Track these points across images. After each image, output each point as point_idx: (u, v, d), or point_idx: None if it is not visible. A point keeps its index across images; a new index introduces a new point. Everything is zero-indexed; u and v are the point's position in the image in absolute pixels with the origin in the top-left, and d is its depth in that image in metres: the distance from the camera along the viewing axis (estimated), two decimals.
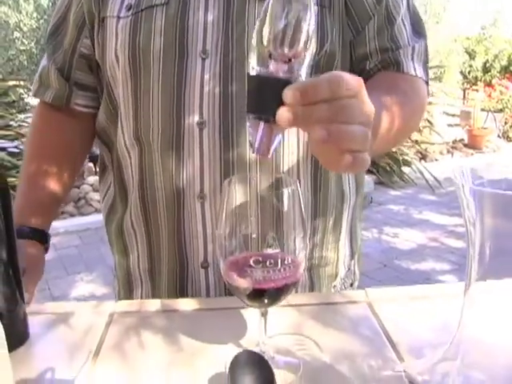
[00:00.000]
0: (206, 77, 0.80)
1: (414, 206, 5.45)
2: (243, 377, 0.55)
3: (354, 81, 0.51)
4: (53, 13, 1.01)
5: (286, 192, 0.56)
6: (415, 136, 7.18)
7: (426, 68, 0.94)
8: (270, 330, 0.62)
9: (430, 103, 8.37)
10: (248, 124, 0.53)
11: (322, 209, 0.89)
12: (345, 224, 0.94)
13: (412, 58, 0.90)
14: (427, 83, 0.94)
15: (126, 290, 0.96)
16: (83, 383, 0.61)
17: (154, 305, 0.79)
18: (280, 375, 0.58)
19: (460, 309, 0.54)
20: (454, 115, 10.39)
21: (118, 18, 0.85)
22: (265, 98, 0.51)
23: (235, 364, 0.55)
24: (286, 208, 0.56)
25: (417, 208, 5.39)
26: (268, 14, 0.50)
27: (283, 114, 0.48)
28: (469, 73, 9.83)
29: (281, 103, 0.49)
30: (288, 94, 0.48)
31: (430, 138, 7.55)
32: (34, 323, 0.73)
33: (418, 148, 7.30)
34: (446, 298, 0.77)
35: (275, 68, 0.50)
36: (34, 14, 5.21)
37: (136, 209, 0.88)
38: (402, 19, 0.89)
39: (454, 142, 8.42)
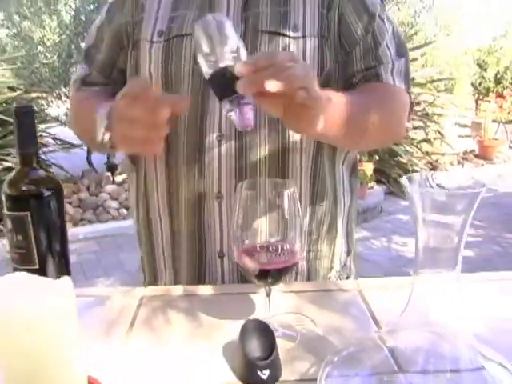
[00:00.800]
0: None
1: None
2: (251, 340, 0.69)
3: (286, 54, 0.72)
4: (90, 29, 1.16)
5: (286, 193, 0.71)
6: (426, 147, 7.28)
7: (406, 79, 1.06)
8: (274, 310, 0.76)
9: (440, 115, 8.48)
10: (225, 111, 0.72)
11: (318, 211, 1.03)
12: (340, 224, 1.08)
13: (392, 73, 1.02)
14: (408, 92, 1.06)
15: (152, 279, 1.11)
16: (119, 353, 0.76)
17: (177, 290, 0.94)
18: (281, 343, 0.72)
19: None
20: (465, 126, 10.49)
21: (151, 42, 1.00)
22: (225, 83, 0.69)
23: (244, 330, 0.69)
24: (286, 207, 0.71)
25: None
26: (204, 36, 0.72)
27: (240, 84, 0.67)
28: (479, 84, 9.92)
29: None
30: (239, 67, 0.67)
31: (441, 148, 7.63)
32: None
33: (429, 159, 7.39)
34: None
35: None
36: (57, 30, 5.43)
37: (163, 206, 1.03)
38: (387, 44, 1.03)
39: (465, 152, 8.49)
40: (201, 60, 0.72)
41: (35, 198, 0.76)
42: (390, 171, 6.45)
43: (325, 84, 0.92)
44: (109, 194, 5.50)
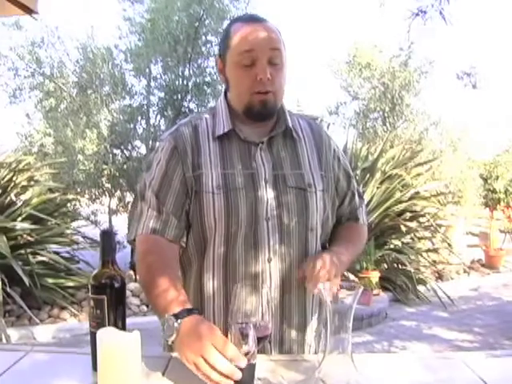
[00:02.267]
0: (271, 229, 1.42)
1: (425, 322, 5.84)
2: None
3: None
4: (155, 171, 1.47)
5: (264, 293, 1.16)
6: (433, 256, 7.64)
7: (366, 216, 1.72)
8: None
9: (449, 226, 8.90)
10: None
11: (288, 317, 1.46)
12: (309, 329, 1.50)
13: (362, 214, 1.68)
14: (366, 224, 1.71)
15: None
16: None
17: None
18: None
19: None
20: (474, 235, 10.87)
21: (213, 193, 1.40)
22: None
23: None
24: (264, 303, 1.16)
25: (427, 324, 5.78)
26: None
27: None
28: (485, 196, 10.41)
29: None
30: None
31: (449, 258, 7.94)
32: None
33: (435, 268, 7.70)
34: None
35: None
36: (95, 140, 6.11)
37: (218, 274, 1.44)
38: (358, 193, 1.66)
39: (472, 262, 8.82)
40: None
41: (110, 287, 1.22)
42: (396, 279, 6.79)
43: (326, 224, 1.54)
44: (131, 291, 5.94)
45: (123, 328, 1.22)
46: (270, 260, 1.42)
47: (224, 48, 1.47)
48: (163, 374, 1.24)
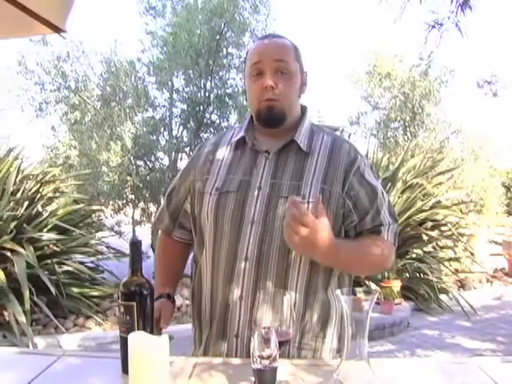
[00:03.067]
0: (253, 231, 1.50)
1: (447, 331, 5.81)
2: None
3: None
4: (174, 179, 1.78)
5: (285, 300, 1.22)
6: (455, 265, 7.59)
7: (395, 238, 1.62)
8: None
9: (472, 235, 8.84)
10: None
11: (311, 313, 1.52)
12: (332, 325, 1.56)
13: (387, 231, 1.59)
14: (394, 244, 1.61)
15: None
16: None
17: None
18: None
19: None
20: (497, 243, 10.76)
21: (210, 194, 1.57)
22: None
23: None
24: (285, 309, 1.21)
25: (450, 333, 5.75)
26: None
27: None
28: (508, 205, 10.32)
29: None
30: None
31: (471, 267, 7.89)
32: None
33: (457, 277, 7.65)
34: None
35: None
36: (119, 152, 6.24)
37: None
38: (384, 211, 1.60)
39: (495, 271, 8.73)
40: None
41: (139, 295, 1.29)
42: (418, 288, 6.76)
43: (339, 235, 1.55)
44: None
45: (151, 333, 1.29)
46: (246, 259, 1.49)
47: (245, 65, 1.65)
48: (189, 378, 1.30)
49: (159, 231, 1.85)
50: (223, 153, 1.63)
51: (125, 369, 1.25)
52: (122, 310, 1.30)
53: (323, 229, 1.35)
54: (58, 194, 6.43)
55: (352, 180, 1.56)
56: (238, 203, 1.53)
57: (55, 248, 5.59)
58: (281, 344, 1.18)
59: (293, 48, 1.59)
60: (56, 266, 5.43)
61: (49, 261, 5.44)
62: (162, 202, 1.83)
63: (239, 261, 1.50)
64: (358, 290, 1.13)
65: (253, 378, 1.16)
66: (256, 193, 1.53)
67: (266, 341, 1.12)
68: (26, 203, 5.77)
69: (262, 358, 1.12)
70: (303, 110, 1.66)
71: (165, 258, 1.80)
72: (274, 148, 1.57)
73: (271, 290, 1.31)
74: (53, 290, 4.95)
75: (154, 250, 6.95)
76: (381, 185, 1.65)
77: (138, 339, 1.07)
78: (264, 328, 1.14)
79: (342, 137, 1.73)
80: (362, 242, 1.56)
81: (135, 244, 1.32)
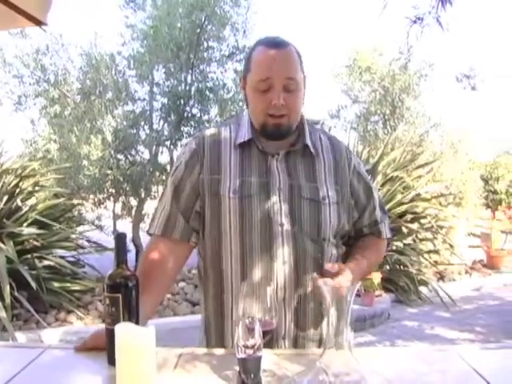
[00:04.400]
0: (285, 238, 1.51)
1: (427, 323, 5.91)
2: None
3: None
4: (173, 174, 1.62)
5: (269, 289, 1.23)
6: (434, 257, 7.70)
7: (390, 231, 1.78)
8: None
9: (451, 227, 8.96)
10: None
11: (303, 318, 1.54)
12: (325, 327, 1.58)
13: (385, 228, 1.75)
14: (389, 238, 1.78)
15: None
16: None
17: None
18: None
19: None
20: (476, 236, 10.93)
21: (229, 197, 1.52)
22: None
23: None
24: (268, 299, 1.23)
25: (430, 324, 5.85)
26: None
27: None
28: (486, 197, 10.48)
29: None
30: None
31: (450, 259, 8.01)
32: None
33: (437, 269, 7.75)
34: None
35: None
36: (100, 146, 6.20)
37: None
38: (377, 205, 1.72)
39: (474, 262, 8.87)
40: None
41: (124, 287, 1.30)
42: (398, 280, 6.85)
43: (341, 232, 1.63)
44: None
45: (136, 324, 1.30)
46: (284, 263, 1.50)
47: (246, 69, 1.59)
48: (175, 368, 1.32)
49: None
50: (228, 153, 1.58)
51: (111, 360, 1.27)
52: (108, 302, 1.30)
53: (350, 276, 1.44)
54: (37, 188, 6.38)
55: (352, 178, 1.65)
56: (264, 207, 1.52)
57: (35, 243, 5.55)
58: (265, 333, 1.20)
59: (298, 59, 1.56)
60: (36, 261, 5.40)
61: (29, 255, 5.42)
62: (162, 204, 1.63)
63: (277, 266, 1.50)
64: None
65: (237, 368, 1.18)
66: (277, 195, 1.53)
67: (250, 330, 1.14)
68: (5, 198, 5.73)
69: (246, 347, 1.14)
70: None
71: (162, 279, 1.59)
72: (281, 150, 1.58)
73: (255, 281, 1.33)
74: (33, 284, 4.92)
75: (135, 245, 6.94)
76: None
77: (125, 330, 1.09)
78: (248, 318, 1.16)
79: (334, 136, 1.75)
80: (371, 253, 1.69)
81: (120, 236, 1.33)
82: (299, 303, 1.53)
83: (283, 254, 1.50)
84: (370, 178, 1.74)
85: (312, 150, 1.60)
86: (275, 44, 1.54)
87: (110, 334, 1.21)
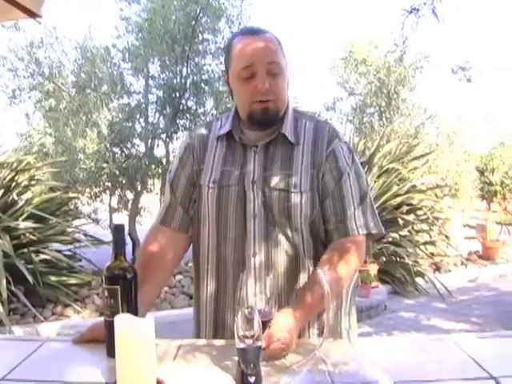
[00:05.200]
0: (257, 228, 1.53)
1: (423, 314, 5.93)
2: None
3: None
4: (170, 169, 1.70)
5: (268, 280, 1.24)
6: (430, 249, 7.72)
7: (366, 223, 1.54)
8: None
9: (447, 219, 8.98)
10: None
11: None
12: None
13: (355, 224, 1.52)
14: (370, 234, 1.55)
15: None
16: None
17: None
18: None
19: None
20: (471, 227, 10.96)
21: (208, 187, 1.57)
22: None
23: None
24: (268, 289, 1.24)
25: (426, 315, 5.87)
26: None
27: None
28: (482, 189, 10.51)
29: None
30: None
31: (446, 250, 8.02)
32: None
33: (433, 260, 7.78)
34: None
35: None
36: (96, 140, 6.18)
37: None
38: (343, 194, 1.54)
39: (469, 253, 8.90)
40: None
41: (123, 278, 1.30)
42: (394, 272, 6.87)
43: (316, 220, 1.55)
44: None
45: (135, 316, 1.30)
46: (254, 255, 1.52)
47: (227, 62, 1.59)
48: (174, 359, 1.32)
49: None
50: (213, 145, 1.63)
51: (110, 352, 1.27)
52: (107, 293, 1.31)
53: (289, 330, 1.35)
54: (33, 182, 6.35)
55: (327, 157, 1.56)
56: (239, 198, 1.54)
57: (32, 237, 5.55)
58: (264, 324, 1.21)
59: (279, 44, 1.56)
60: (33, 255, 5.39)
61: (25, 250, 5.40)
62: (163, 198, 1.73)
63: (247, 256, 1.52)
64: None
65: (237, 358, 1.18)
66: (250, 187, 1.54)
67: (249, 321, 1.14)
68: (1, 192, 5.71)
69: (245, 337, 1.14)
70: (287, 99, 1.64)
71: (161, 270, 1.62)
72: (261, 141, 1.58)
73: (256, 272, 1.34)
74: (30, 278, 4.92)
75: (131, 238, 6.94)
76: (360, 168, 1.62)
77: (125, 321, 1.09)
78: (247, 308, 1.17)
79: (325, 120, 1.73)
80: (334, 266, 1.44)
81: (118, 228, 1.33)
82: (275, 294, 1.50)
83: (255, 246, 1.52)
84: (364, 170, 1.65)
85: (290, 137, 1.57)
86: (253, 31, 1.56)
87: (109, 326, 1.21)
